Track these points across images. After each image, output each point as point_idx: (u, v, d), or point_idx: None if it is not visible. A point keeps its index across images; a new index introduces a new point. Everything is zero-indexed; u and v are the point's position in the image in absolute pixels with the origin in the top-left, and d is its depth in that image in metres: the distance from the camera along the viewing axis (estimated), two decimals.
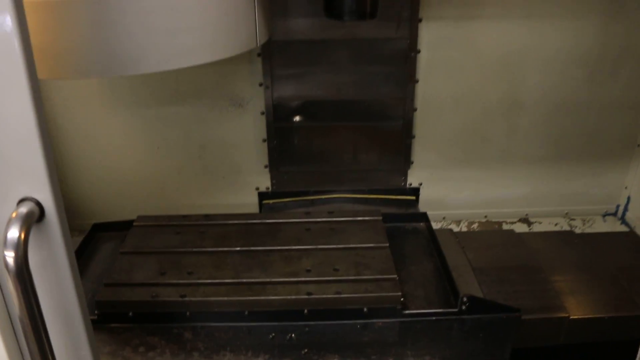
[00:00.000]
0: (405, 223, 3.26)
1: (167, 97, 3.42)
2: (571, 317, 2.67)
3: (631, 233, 3.57)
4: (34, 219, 1.26)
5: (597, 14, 3.33)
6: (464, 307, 2.56)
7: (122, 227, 3.12)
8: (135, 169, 3.61)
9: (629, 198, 3.80)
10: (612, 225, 3.87)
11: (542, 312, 2.70)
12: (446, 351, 2.47)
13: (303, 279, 2.61)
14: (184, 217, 3.10)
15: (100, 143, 3.53)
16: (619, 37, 3.39)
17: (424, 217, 3.25)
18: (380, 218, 3.07)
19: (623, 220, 3.83)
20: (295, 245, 2.84)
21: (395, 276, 2.62)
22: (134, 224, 3.04)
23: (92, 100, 3.41)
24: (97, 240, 3.19)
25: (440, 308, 2.61)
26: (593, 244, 3.18)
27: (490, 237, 3.23)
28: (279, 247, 2.82)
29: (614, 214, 3.89)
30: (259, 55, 3.34)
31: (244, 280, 2.60)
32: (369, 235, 2.91)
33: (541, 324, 2.69)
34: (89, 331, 1.50)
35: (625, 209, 3.82)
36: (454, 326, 2.56)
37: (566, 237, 3.26)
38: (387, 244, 2.84)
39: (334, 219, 3.06)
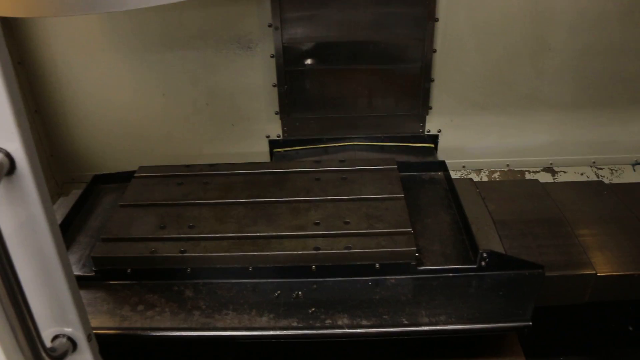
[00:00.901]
0: (422, 172, 2.99)
1: (171, 40, 3.14)
2: (598, 274, 2.42)
3: None
4: (3, 171, 1.12)
5: None
6: (483, 263, 2.33)
7: (124, 178, 2.90)
8: (140, 118, 3.37)
9: None
10: None
11: (567, 269, 2.44)
12: (464, 310, 2.24)
13: (311, 232, 2.38)
14: (187, 167, 2.87)
15: (102, 90, 3.28)
16: None
17: (442, 165, 2.97)
18: (395, 167, 2.80)
19: None
20: (303, 196, 2.61)
21: (410, 229, 2.38)
22: (135, 175, 2.82)
23: (93, 45, 3.15)
24: (97, 192, 2.98)
25: (457, 264, 2.38)
26: (623, 196, 2.88)
27: (513, 187, 2.94)
28: (286, 199, 2.59)
29: None
30: None
31: (248, 234, 2.38)
32: (383, 186, 2.65)
33: (566, 281, 2.43)
34: (75, 293, 1.33)
35: None
36: (472, 283, 2.33)
37: (594, 188, 2.96)
38: (402, 195, 2.59)
39: (346, 168, 2.80)
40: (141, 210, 2.55)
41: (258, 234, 2.37)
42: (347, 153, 3.40)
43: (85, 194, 2.89)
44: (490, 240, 2.54)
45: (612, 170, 3.55)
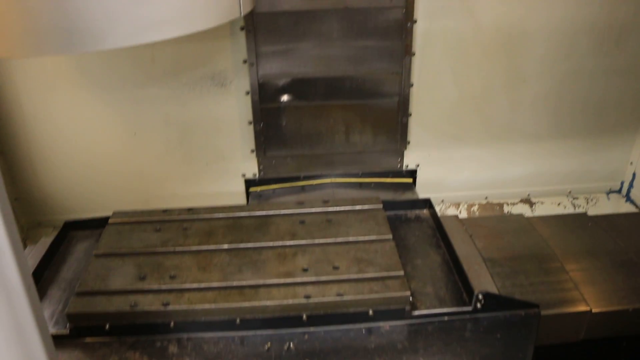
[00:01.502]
0: (407, 210, 2.89)
1: (142, 77, 2.98)
2: (593, 311, 2.34)
3: None
4: None
5: None
6: (479, 305, 2.22)
7: (97, 224, 2.71)
8: (110, 159, 3.17)
9: (634, 175, 3.46)
10: (617, 204, 3.54)
11: (561, 307, 2.35)
12: (463, 356, 2.12)
13: (300, 279, 2.23)
14: (165, 211, 2.69)
15: (71, 131, 3.08)
16: (625, 2, 3.03)
17: (427, 203, 2.88)
18: (381, 206, 2.69)
19: (628, 197, 3.50)
20: (289, 240, 2.46)
21: (402, 273, 2.25)
22: (110, 221, 2.62)
23: (61, 83, 2.95)
24: (69, 240, 2.76)
25: (452, 307, 2.27)
26: (607, 227, 2.84)
27: (499, 223, 2.86)
28: (271, 244, 2.44)
29: (619, 192, 3.56)
30: (242, 29, 2.92)
31: (234, 283, 2.21)
32: (370, 227, 2.54)
33: (561, 320, 2.35)
34: (52, 355, 1.14)
35: (631, 186, 3.49)
36: (469, 327, 2.21)
37: (579, 220, 2.91)
38: (391, 236, 2.47)
39: (330, 209, 2.67)
40: (118, 260, 2.35)
41: (244, 283, 2.21)
42: (325, 191, 3.29)
43: (55, 242, 2.66)
44: (482, 280, 2.44)
45: (587, 199, 3.53)
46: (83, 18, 1.60)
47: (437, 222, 2.74)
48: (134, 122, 3.09)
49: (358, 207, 2.68)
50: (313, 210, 2.67)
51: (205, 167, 3.25)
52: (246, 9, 2.04)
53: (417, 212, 2.88)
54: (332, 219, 2.60)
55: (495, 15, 3.01)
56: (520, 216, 2.96)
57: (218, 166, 3.26)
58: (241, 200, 3.35)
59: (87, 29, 1.62)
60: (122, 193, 3.25)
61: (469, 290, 2.27)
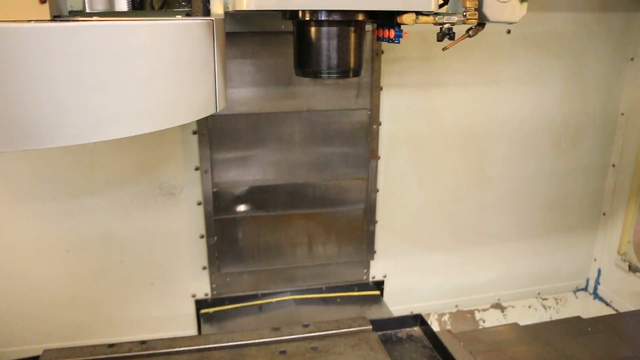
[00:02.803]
0: (397, 330, 2.49)
1: (79, 186, 2.49)
2: None
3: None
4: None
5: (558, 79, 2.94)
6: None
7: None
8: (38, 280, 2.59)
9: (599, 271, 3.30)
10: (585, 302, 3.34)
11: None
12: None
13: None
14: (111, 346, 2.14)
15: None
16: (579, 101, 3.00)
17: (419, 319, 2.50)
18: (370, 327, 2.27)
19: (595, 294, 3.32)
20: None
21: None
22: None
23: None
24: None
25: None
26: (607, 331, 2.56)
27: (495, 335, 2.50)
28: None
29: (585, 289, 3.38)
30: (194, 132, 2.55)
31: None
32: (365, 354, 2.11)
33: None
34: None
35: (597, 283, 3.31)
36: None
37: (576, 326, 2.62)
38: None
39: (314, 334, 2.22)
40: None
41: None
42: (286, 309, 2.85)
43: None
44: None
45: (557, 299, 3.31)
46: (30, 110, 1.20)
47: (434, 341, 2.35)
48: (67, 237, 2.56)
49: (345, 330, 2.25)
50: (293, 337, 2.20)
51: (150, 288, 2.72)
52: (222, 104, 1.69)
53: (408, 330, 2.49)
54: (318, 346, 2.15)
55: (459, 116, 2.86)
56: (515, 325, 2.65)
57: (164, 286, 2.74)
58: (191, 324, 2.83)
59: (34, 123, 1.21)
60: (52, 323, 2.64)
61: None
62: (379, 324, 2.41)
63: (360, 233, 2.91)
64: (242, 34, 2.45)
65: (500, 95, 2.87)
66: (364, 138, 2.75)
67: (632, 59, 2.98)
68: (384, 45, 2.64)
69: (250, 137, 2.63)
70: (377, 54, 2.63)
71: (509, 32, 2.78)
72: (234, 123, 2.59)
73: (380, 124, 2.75)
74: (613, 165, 3.14)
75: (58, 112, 1.22)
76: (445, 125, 2.85)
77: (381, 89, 2.70)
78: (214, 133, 2.58)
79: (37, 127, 1.21)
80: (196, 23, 1.49)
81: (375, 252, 2.95)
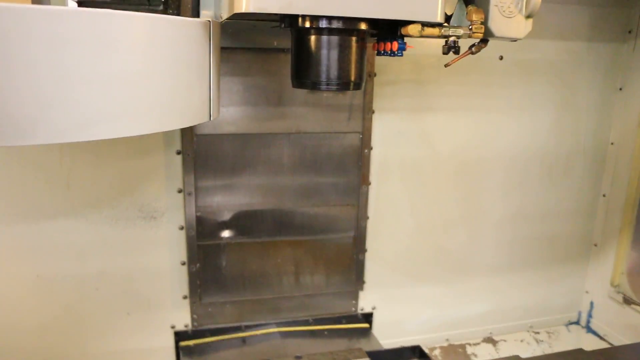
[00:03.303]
0: None
1: (53, 207, 2.31)
2: None
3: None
4: None
5: (550, 107, 2.89)
6: None
7: None
8: (7, 307, 2.36)
9: (592, 304, 3.20)
10: (578, 335, 3.22)
11: None
12: None
13: None
14: None
15: None
16: (570, 130, 2.96)
17: (418, 351, 2.35)
18: (367, 359, 2.12)
19: (589, 328, 3.20)
20: None
21: None
22: None
23: None
24: None
25: None
26: None
27: None
28: None
29: (577, 323, 3.26)
30: (178, 153, 2.41)
31: None
32: None
33: None
34: None
35: (590, 316, 3.21)
36: None
37: (577, 357, 2.49)
38: None
39: None
40: None
41: None
42: (271, 342, 2.66)
43: None
44: None
45: (549, 333, 3.18)
46: (9, 102, 1.06)
47: None
48: (38, 262, 2.35)
49: None
50: None
51: (127, 318, 2.52)
52: (215, 113, 1.56)
53: None
54: None
55: (452, 142, 2.78)
56: (516, 357, 2.51)
57: (142, 316, 2.54)
58: (169, 357, 2.62)
59: (13, 116, 1.07)
60: (20, 353, 2.40)
61: None
62: (376, 356, 2.25)
63: (350, 262, 2.77)
64: (232, 49, 2.34)
65: (493, 122, 2.80)
66: (355, 163, 2.64)
67: (620, 89, 2.95)
68: (377, 67, 2.56)
69: (237, 158, 2.50)
70: (369, 75, 2.55)
71: (501, 58, 2.73)
72: (220, 143, 2.46)
73: (371, 149, 2.65)
74: (604, 195, 3.08)
75: (39, 105, 1.08)
76: (437, 151, 2.76)
77: (373, 112, 2.61)
78: (199, 153, 2.44)
79: (17, 120, 1.07)
80: (193, 22, 1.38)
81: (364, 282, 2.81)
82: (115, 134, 1.20)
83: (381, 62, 2.58)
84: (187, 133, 2.39)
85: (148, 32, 1.23)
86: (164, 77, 1.28)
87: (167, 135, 2.39)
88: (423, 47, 2.62)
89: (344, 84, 1.72)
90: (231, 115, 2.44)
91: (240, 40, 2.29)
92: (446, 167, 2.79)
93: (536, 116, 2.87)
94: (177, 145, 2.41)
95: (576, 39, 2.82)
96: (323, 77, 1.69)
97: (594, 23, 2.81)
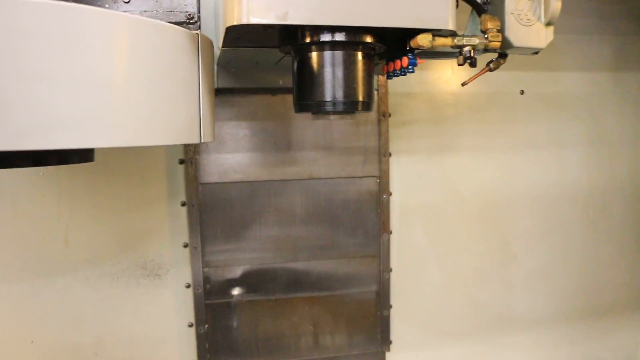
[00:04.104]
0: None
1: (49, 265, 2.14)
2: None
3: None
4: None
5: (579, 142, 2.70)
6: None
7: None
8: None
9: None
10: None
11: None
12: None
13: None
14: None
15: None
16: (604, 166, 2.74)
17: None
18: None
19: None
20: None
21: None
22: None
23: None
24: None
25: None
26: None
27: None
28: None
29: None
30: (183, 204, 2.25)
31: None
32: None
33: None
34: None
35: None
36: None
37: None
38: None
39: None
40: None
41: None
42: None
43: None
44: None
45: None
46: None
47: None
48: (33, 325, 2.17)
49: None
50: None
51: None
52: (208, 136, 1.40)
53: None
54: None
55: (476, 184, 2.57)
56: None
57: None
58: None
59: None
60: None
61: None
62: None
63: (374, 320, 2.50)
64: (235, 91, 2.23)
65: (518, 161, 2.60)
66: (374, 209, 2.44)
67: None
68: (391, 106, 2.41)
69: (246, 208, 2.32)
70: (383, 115, 2.40)
71: (522, 92, 2.57)
72: (227, 192, 2.29)
73: (390, 194, 2.45)
74: None
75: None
76: (461, 194, 2.55)
77: (390, 154, 2.43)
78: (205, 204, 2.27)
79: None
80: (177, 29, 1.24)
81: (391, 342, 2.52)
82: (83, 143, 1.04)
83: (395, 102, 2.44)
84: (192, 182, 2.23)
85: (126, 32, 1.10)
86: (141, 83, 1.13)
87: (170, 185, 2.24)
88: (438, 84, 2.48)
89: (351, 104, 1.54)
90: (238, 162, 2.29)
91: (243, 80, 2.17)
92: (472, 211, 2.57)
93: (564, 152, 2.66)
94: (182, 196, 2.25)
95: (600, 69, 2.66)
96: (328, 97, 1.52)
97: (618, 52, 2.66)
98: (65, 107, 1.00)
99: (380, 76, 2.39)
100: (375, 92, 2.35)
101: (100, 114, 1.05)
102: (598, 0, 2.64)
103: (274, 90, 2.27)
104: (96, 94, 1.05)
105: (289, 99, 2.29)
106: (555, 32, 1.62)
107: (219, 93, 2.21)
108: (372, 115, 2.39)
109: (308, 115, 2.30)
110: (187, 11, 1.63)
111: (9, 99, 0.95)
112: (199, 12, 1.67)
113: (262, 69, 2.11)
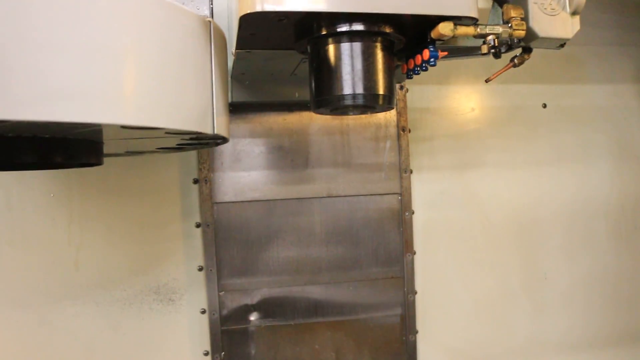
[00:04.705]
0: None
1: (59, 290, 2.03)
2: None
3: None
4: None
5: (605, 156, 2.60)
6: None
7: None
8: None
9: None
10: None
11: None
12: None
13: None
14: None
15: None
16: (634, 179, 2.60)
17: None
18: None
19: None
20: None
21: None
22: None
23: None
24: None
25: None
26: None
27: None
28: None
29: None
30: (197, 225, 2.15)
31: None
32: None
33: None
34: None
35: None
36: None
37: None
38: None
39: None
40: None
41: None
42: None
43: None
44: None
45: None
46: None
47: None
48: (41, 353, 2.03)
49: None
50: None
51: None
52: (222, 129, 1.31)
53: None
54: None
55: (501, 201, 2.45)
56: None
57: None
58: None
59: None
60: None
61: None
62: None
63: (399, 345, 2.34)
64: (250, 107, 2.16)
65: (544, 176, 2.49)
66: (396, 228, 2.32)
67: None
68: (411, 122, 2.33)
69: (263, 228, 2.21)
70: (403, 130, 2.31)
71: (545, 106, 2.48)
72: (243, 212, 2.19)
73: (413, 212, 2.33)
74: None
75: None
76: (486, 211, 2.43)
77: (411, 171, 2.33)
78: (220, 224, 2.17)
79: None
80: (188, 11, 1.18)
81: None
82: (86, 117, 0.95)
83: (414, 117, 2.35)
84: (206, 201, 2.14)
85: (135, 4, 1.03)
86: (149, 59, 1.06)
87: (184, 205, 2.15)
88: (457, 99, 2.40)
89: (372, 97, 1.45)
90: (253, 181, 2.20)
91: (258, 94, 2.10)
92: (498, 230, 2.44)
93: (591, 167, 2.55)
94: (196, 217, 2.15)
95: (624, 81, 2.57)
96: (347, 91, 1.44)
97: None
98: (69, 77, 0.93)
99: (399, 90, 2.33)
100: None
101: (105, 88, 0.98)
102: (620, 12, 2.58)
103: (289, 106, 2.20)
104: (101, 66, 0.97)
105: (306, 114, 2.22)
106: (576, 44, 1.55)
107: (234, 109, 2.14)
108: (392, 130, 2.31)
109: (326, 130, 2.24)
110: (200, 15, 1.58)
111: (10, 66, 0.87)
112: (211, 16, 1.62)
113: (277, 81, 2.05)
